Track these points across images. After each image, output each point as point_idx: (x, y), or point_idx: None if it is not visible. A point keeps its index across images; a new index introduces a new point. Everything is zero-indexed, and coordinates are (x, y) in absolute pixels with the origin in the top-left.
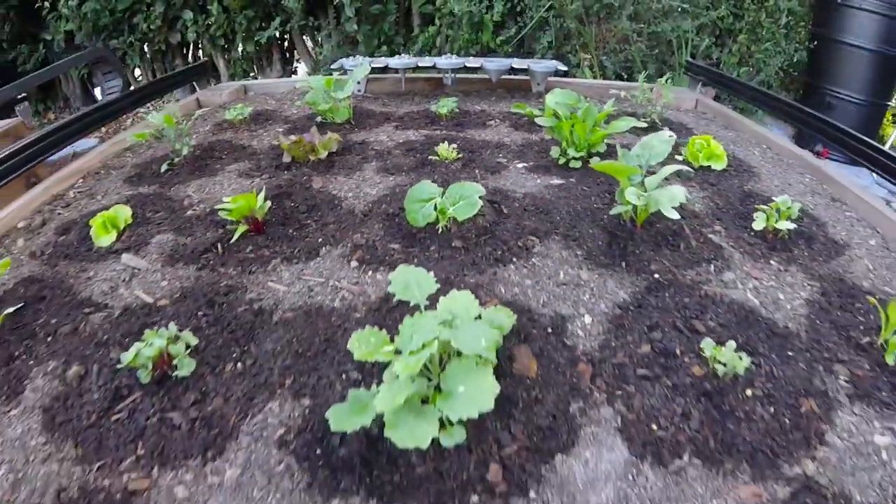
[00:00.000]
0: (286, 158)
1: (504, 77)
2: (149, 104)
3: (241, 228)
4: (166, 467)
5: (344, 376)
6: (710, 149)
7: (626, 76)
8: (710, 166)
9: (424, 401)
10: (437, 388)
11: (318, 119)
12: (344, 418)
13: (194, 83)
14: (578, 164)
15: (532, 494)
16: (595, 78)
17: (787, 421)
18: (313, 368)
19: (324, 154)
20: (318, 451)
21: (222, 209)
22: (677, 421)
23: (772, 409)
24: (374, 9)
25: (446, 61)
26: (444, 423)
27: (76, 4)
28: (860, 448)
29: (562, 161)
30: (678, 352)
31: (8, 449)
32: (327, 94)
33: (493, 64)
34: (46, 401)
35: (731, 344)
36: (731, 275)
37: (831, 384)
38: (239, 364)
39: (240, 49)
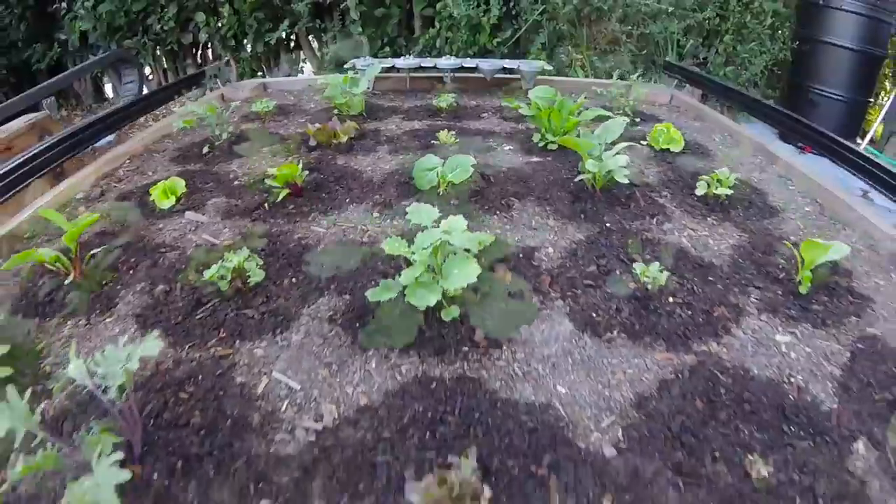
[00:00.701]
0: (312, 142)
1: (497, 76)
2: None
3: (284, 191)
4: (245, 341)
5: (373, 282)
6: (669, 134)
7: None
8: (668, 149)
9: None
10: (440, 275)
11: (335, 111)
12: (378, 294)
13: (218, 80)
14: (555, 147)
15: (504, 347)
16: (587, 77)
17: (701, 319)
18: (350, 278)
19: (344, 139)
20: (358, 324)
21: (269, 176)
22: (611, 312)
23: (689, 312)
24: (377, 12)
25: (446, 62)
26: (443, 304)
27: (92, 5)
28: (762, 341)
29: (541, 144)
30: (618, 272)
31: (106, 343)
32: (344, 90)
33: (488, 64)
34: (138, 310)
35: (656, 264)
36: (670, 226)
37: (743, 300)
38: (294, 279)
39: (249, 49)
